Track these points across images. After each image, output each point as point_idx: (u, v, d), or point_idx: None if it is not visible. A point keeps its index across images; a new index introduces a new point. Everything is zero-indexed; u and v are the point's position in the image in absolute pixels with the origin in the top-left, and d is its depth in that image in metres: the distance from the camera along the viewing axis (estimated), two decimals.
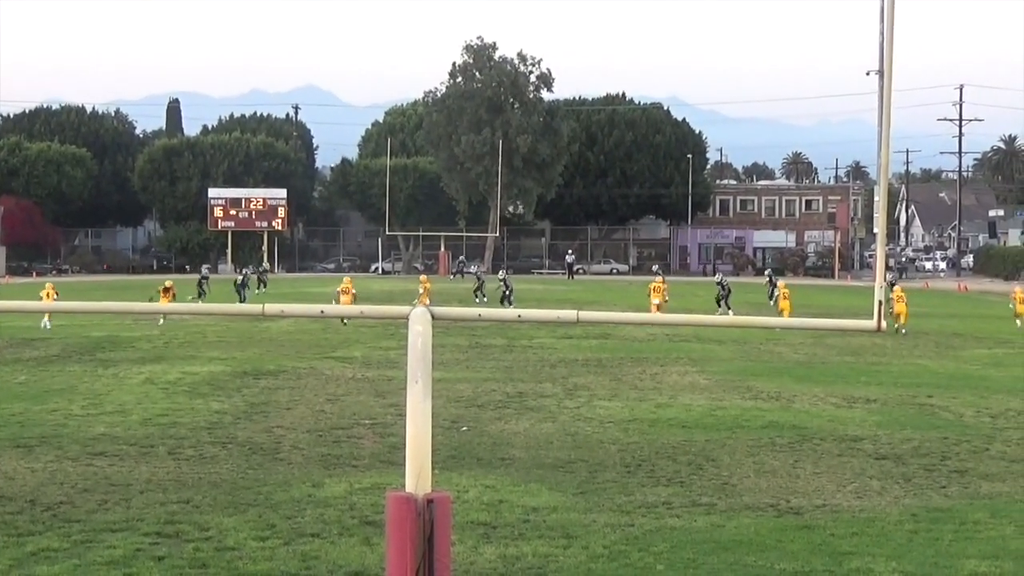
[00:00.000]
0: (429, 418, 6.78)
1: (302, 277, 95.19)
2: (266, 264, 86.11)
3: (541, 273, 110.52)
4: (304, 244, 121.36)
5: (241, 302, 52.82)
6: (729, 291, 51.84)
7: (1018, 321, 46.05)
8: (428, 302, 49.21)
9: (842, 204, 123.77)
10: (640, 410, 22.12)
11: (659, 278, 55.43)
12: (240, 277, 61.40)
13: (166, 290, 47.10)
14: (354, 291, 50.13)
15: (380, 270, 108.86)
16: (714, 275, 60.61)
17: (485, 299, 59.25)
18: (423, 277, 60.30)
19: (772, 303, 55.21)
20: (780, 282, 54.34)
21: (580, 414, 21.62)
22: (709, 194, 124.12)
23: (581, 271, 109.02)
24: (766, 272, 68.20)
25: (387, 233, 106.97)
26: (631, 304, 55.84)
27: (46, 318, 42.50)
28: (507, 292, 56.78)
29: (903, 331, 41.11)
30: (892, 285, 48.60)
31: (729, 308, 49.52)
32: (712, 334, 38.32)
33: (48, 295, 43.90)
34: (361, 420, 20.74)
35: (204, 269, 67.51)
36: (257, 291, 66.12)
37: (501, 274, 65.26)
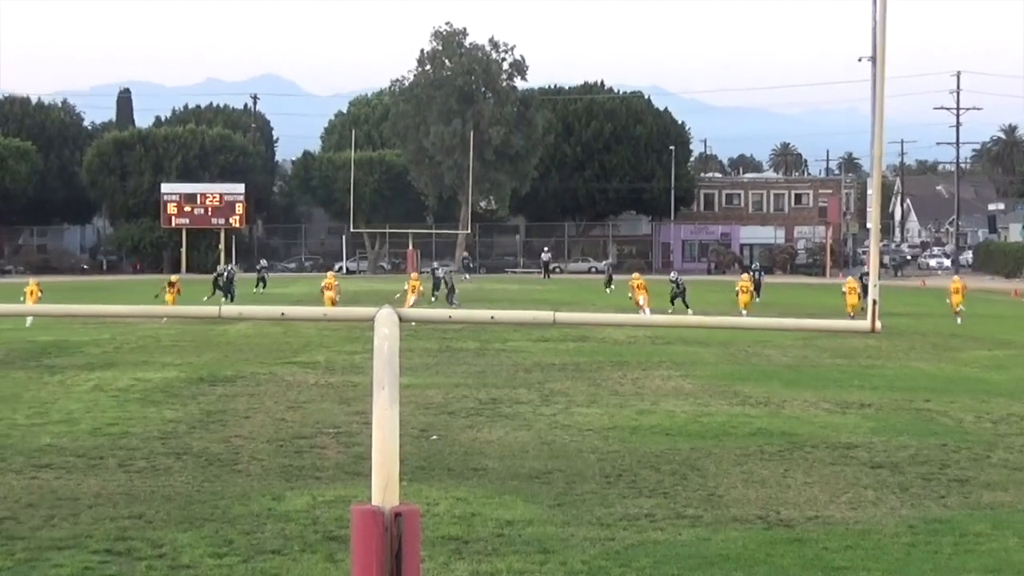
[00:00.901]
0: (396, 426, 6.71)
1: None
2: (264, 262, 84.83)
3: (515, 272, 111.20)
4: (263, 242, 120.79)
5: (231, 299, 52.91)
6: (684, 289, 52.18)
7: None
8: (412, 302, 49.11)
9: (833, 198, 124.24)
10: (621, 417, 22.10)
11: (636, 274, 55.80)
12: (225, 272, 61.16)
13: (171, 284, 47.22)
14: (338, 284, 50.50)
15: (344, 269, 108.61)
16: (672, 275, 60.84)
17: (434, 299, 59.36)
18: (413, 275, 59.57)
19: (757, 300, 55.72)
20: (743, 276, 55.43)
21: (557, 421, 21.58)
22: (693, 188, 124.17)
23: (558, 270, 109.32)
24: (752, 268, 68.51)
25: (351, 230, 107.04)
26: (611, 304, 56.02)
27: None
28: (449, 290, 56.97)
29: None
30: (862, 277, 49.98)
31: (688, 307, 49.75)
32: (697, 336, 38.35)
33: (32, 293, 43.93)
34: (325, 429, 20.63)
35: (219, 267, 67.13)
36: (255, 290, 66.30)
37: (440, 271, 64.70)
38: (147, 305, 17.59)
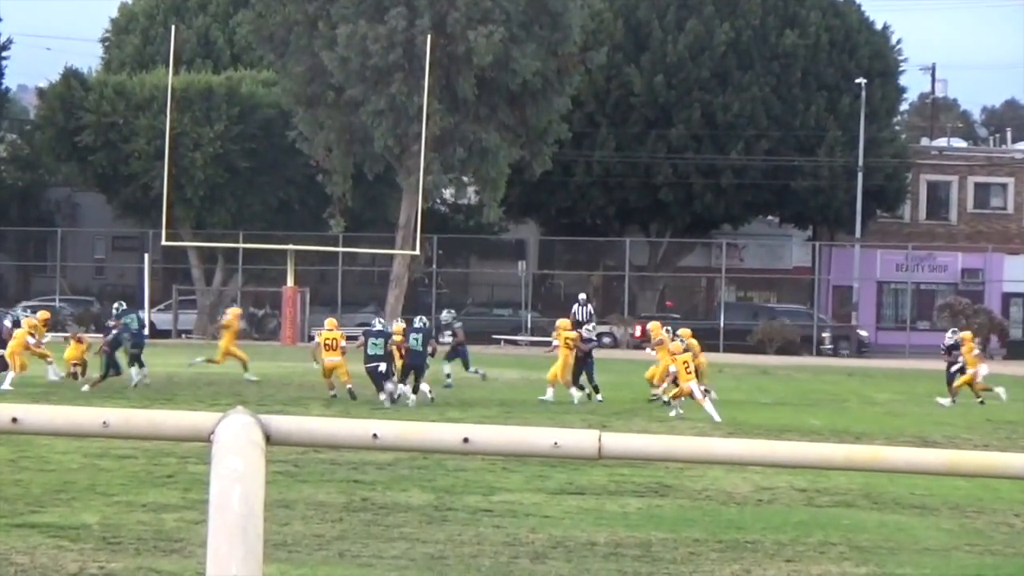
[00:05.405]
0: None
1: None
2: (139, 314, 43.95)
3: (516, 341, 66.31)
4: None
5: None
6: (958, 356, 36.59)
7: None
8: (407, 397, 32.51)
9: None
10: None
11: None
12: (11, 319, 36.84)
13: (78, 340, 35.62)
14: (239, 327, 40.42)
15: (146, 326, 58.50)
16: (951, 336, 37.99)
17: (396, 394, 33.52)
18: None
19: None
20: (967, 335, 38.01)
21: None
22: (904, 171, 70.83)
23: (608, 337, 61.99)
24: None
25: (164, 243, 59.84)
26: (725, 418, 36.13)
27: None
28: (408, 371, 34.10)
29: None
30: None
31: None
32: (903, 490, 23.55)
33: None
34: None
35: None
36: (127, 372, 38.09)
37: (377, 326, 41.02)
38: None
